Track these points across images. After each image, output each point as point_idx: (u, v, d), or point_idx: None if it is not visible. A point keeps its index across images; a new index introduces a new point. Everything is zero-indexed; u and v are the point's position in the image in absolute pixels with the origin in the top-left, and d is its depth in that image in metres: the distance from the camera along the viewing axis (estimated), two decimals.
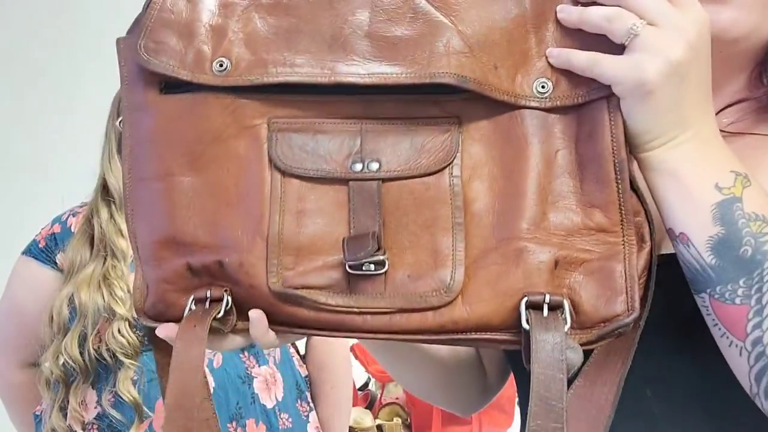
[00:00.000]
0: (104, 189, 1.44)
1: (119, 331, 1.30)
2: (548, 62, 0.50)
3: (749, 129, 0.65)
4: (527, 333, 0.46)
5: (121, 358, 1.30)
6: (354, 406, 1.91)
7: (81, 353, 1.31)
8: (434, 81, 0.49)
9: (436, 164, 0.50)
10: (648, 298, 0.50)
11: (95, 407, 1.33)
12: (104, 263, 1.35)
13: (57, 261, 1.43)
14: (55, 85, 2.40)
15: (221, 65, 0.52)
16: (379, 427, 2.11)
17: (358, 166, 0.50)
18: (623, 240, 0.48)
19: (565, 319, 0.46)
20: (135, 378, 1.32)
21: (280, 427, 1.39)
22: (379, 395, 2.21)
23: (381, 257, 0.48)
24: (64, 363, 1.33)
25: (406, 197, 0.50)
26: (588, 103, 0.49)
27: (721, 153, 0.52)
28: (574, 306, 0.48)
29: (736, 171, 0.51)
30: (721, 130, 0.62)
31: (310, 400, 1.48)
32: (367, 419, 2.09)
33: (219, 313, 0.50)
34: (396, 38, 0.50)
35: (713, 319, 0.51)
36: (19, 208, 2.21)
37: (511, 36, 0.50)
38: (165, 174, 0.53)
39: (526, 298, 0.47)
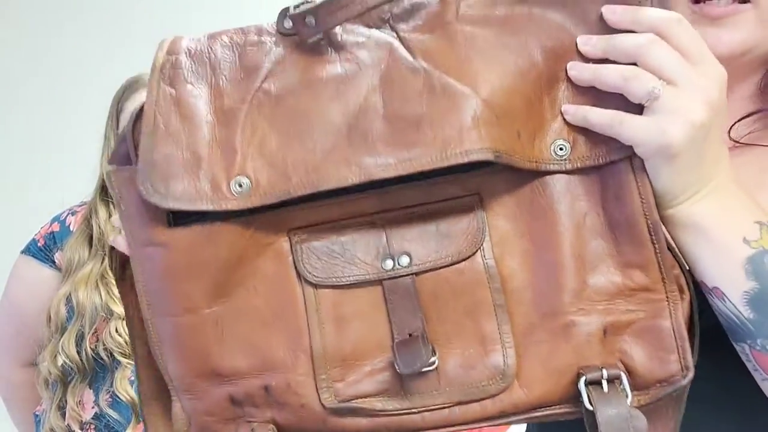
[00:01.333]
0: (103, 189, 1.44)
1: (117, 330, 1.30)
2: (563, 122, 0.48)
3: (761, 140, 0.64)
4: (590, 411, 0.45)
5: (119, 357, 1.30)
6: None
7: (78, 353, 1.31)
8: (470, 160, 0.46)
9: (467, 249, 0.49)
10: (695, 345, 0.49)
11: (93, 407, 1.33)
12: (102, 262, 1.35)
13: (56, 260, 1.43)
14: (55, 85, 2.40)
15: (240, 185, 0.48)
16: None
17: (389, 264, 0.49)
18: (666, 296, 0.48)
19: (625, 390, 0.46)
20: (132, 378, 1.32)
21: None
22: None
23: (433, 358, 0.47)
24: (62, 363, 1.33)
25: (442, 287, 0.49)
26: (612, 164, 0.48)
27: (740, 201, 0.52)
28: (629, 370, 0.47)
29: (759, 221, 0.51)
30: (734, 141, 0.64)
31: None
32: None
33: None
34: (417, 116, 0.46)
35: (754, 366, 0.51)
36: (18, 207, 2.21)
37: (528, 99, 0.48)
38: (191, 309, 0.50)
39: (584, 377, 0.46)
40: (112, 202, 1.42)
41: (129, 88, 1.48)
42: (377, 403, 0.48)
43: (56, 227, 1.46)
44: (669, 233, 0.51)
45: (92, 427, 1.33)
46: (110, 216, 1.40)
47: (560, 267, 0.48)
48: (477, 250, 0.48)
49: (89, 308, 1.32)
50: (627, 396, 0.45)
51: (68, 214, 1.48)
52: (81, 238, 1.40)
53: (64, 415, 1.34)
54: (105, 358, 1.31)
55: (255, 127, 0.49)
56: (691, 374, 0.47)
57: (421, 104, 0.47)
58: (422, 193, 0.49)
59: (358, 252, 0.49)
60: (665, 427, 0.49)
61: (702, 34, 0.56)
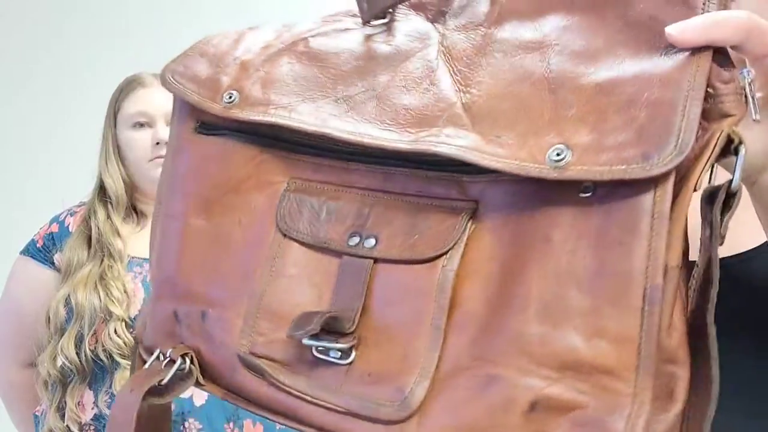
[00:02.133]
0: (101, 190, 1.44)
1: (115, 331, 1.30)
2: (568, 124, 0.38)
3: None
4: None
5: (118, 358, 1.30)
6: None
7: (77, 354, 1.31)
8: (414, 149, 0.42)
9: (430, 251, 0.42)
10: None
11: (92, 408, 1.33)
12: (101, 264, 1.35)
13: (55, 261, 1.43)
14: (55, 86, 2.40)
15: (230, 97, 0.52)
16: None
17: (354, 240, 0.45)
18: (633, 391, 0.35)
19: None
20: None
21: (278, 428, 1.39)
22: None
23: (343, 345, 0.43)
24: (61, 364, 1.33)
25: (393, 284, 0.43)
26: (627, 194, 0.36)
27: None
28: None
29: None
30: None
31: None
32: None
33: (163, 379, 0.49)
34: (402, 106, 0.45)
35: None
36: (18, 207, 2.21)
37: (524, 101, 0.41)
38: (182, 213, 0.53)
39: None
40: (111, 203, 1.42)
41: (126, 88, 1.48)
42: (281, 374, 0.45)
43: (55, 228, 1.46)
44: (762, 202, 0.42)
45: (92, 428, 1.33)
46: (108, 217, 1.40)
47: (516, 308, 0.38)
48: (440, 257, 0.42)
49: (88, 309, 1.31)
50: None
51: (67, 214, 1.48)
52: (80, 239, 1.40)
53: (63, 416, 1.34)
54: (104, 359, 1.31)
55: (276, 63, 0.52)
56: None
57: (413, 98, 0.45)
58: (423, 185, 0.45)
59: (335, 218, 0.47)
60: None
61: None
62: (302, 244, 0.48)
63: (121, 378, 1.30)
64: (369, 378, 0.43)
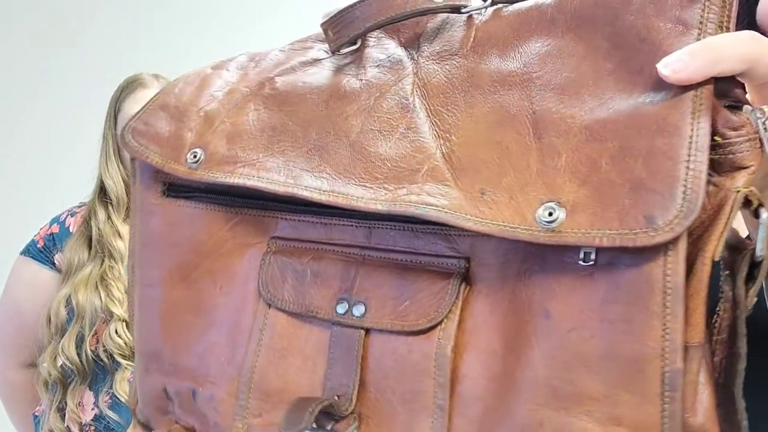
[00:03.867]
0: (101, 190, 1.44)
1: (116, 331, 1.30)
2: (564, 177, 0.34)
3: None
4: None
5: (118, 359, 1.30)
6: None
7: (78, 354, 1.31)
8: (392, 211, 0.39)
9: (424, 321, 0.38)
10: None
11: (93, 408, 1.33)
12: (102, 264, 1.35)
13: (55, 261, 1.43)
14: (55, 86, 2.40)
15: (195, 156, 0.48)
16: None
17: (342, 308, 0.41)
18: None
19: None
20: (132, 379, 1.31)
21: None
22: None
23: (343, 429, 0.40)
24: (62, 364, 1.33)
25: (388, 357, 0.40)
26: (634, 263, 0.32)
27: None
28: None
29: None
30: None
31: None
32: None
33: None
34: (377, 155, 0.41)
35: None
36: (18, 208, 2.21)
37: (508, 149, 0.36)
38: (159, 282, 0.49)
39: None
40: (111, 204, 1.43)
41: (126, 89, 1.48)
42: None
43: (56, 229, 1.46)
44: None
45: (92, 428, 1.33)
46: (109, 217, 1.41)
47: (518, 389, 0.35)
48: (434, 328, 0.38)
49: (89, 310, 1.32)
50: None
51: (67, 215, 1.48)
52: (80, 239, 1.40)
53: (63, 417, 1.34)
54: (105, 359, 1.31)
55: (241, 111, 0.49)
56: None
57: (389, 144, 0.41)
58: (408, 240, 0.41)
59: (320, 284, 0.43)
60: None
61: None
62: (289, 313, 0.44)
63: (122, 378, 1.30)
64: None
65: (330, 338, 0.42)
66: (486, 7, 0.43)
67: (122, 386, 1.30)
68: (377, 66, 0.45)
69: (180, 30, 2.40)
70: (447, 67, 0.42)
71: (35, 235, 1.47)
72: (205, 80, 0.52)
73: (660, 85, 0.33)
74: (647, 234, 0.31)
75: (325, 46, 0.49)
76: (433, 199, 0.37)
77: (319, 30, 0.49)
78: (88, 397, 1.34)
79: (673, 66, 0.32)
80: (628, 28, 0.35)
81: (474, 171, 0.37)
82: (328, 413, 0.40)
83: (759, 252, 0.32)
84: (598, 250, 0.33)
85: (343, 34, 0.46)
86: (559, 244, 0.33)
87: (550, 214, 0.33)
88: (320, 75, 0.47)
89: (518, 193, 0.35)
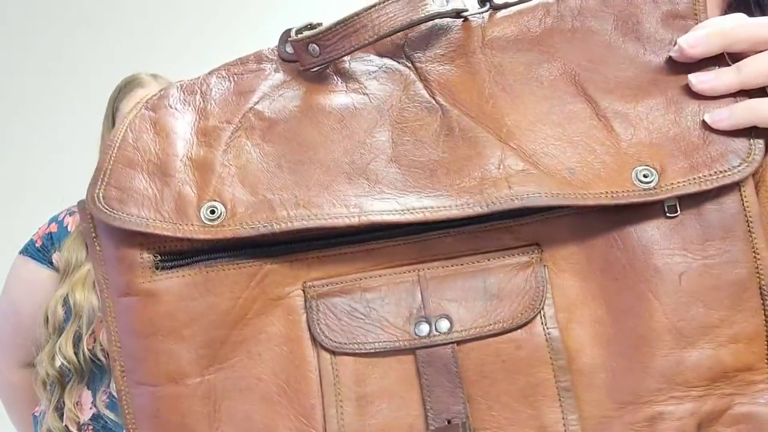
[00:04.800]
0: None
1: None
2: (641, 146, 0.39)
3: None
4: None
5: None
6: None
7: (76, 354, 1.31)
8: (494, 210, 0.38)
9: (524, 313, 0.39)
10: None
11: (90, 408, 1.33)
12: None
13: (53, 261, 1.43)
14: (55, 85, 2.40)
15: (213, 212, 0.41)
16: None
17: (425, 329, 0.39)
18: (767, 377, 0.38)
19: None
20: None
21: None
22: None
23: None
24: (59, 364, 1.33)
25: (492, 361, 0.39)
26: (717, 201, 0.38)
27: None
28: None
29: None
30: None
31: None
32: None
33: None
34: (431, 162, 0.40)
35: None
36: (17, 207, 2.21)
37: (579, 132, 0.40)
38: (176, 377, 0.40)
39: None
40: None
41: (124, 88, 1.48)
42: None
43: (54, 228, 1.46)
44: None
45: (90, 428, 1.33)
46: None
47: (647, 342, 0.38)
48: (536, 316, 0.39)
49: (86, 309, 1.32)
50: None
51: (66, 214, 1.48)
52: (78, 239, 1.40)
53: (61, 416, 1.34)
54: (102, 359, 1.31)
55: (240, 149, 0.42)
56: None
57: (437, 149, 0.40)
58: (467, 243, 0.40)
59: (386, 312, 0.40)
60: None
61: None
62: (360, 356, 0.40)
63: None
64: None
65: (417, 366, 0.40)
66: (483, 12, 0.44)
67: None
68: (372, 77, 0.43)
69: (180, 30, 2.40)
70: (463, 66, 0.43)
71: (33, 235, 1.47)
72: (160, 125, 0.43)
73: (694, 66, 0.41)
74: (727, 175, 0.38)
75: (277, 64, 0.45)
76: (526, 188, 0.38)
77: (238, 54, 0.46)
78: (86, 396, 1.34)
79: (689, 40, 0.40)
80: (648, 30, 0.42)
81: (549, 155, 0.39)
82: None
83: None
84: (681, 200, 0.38)
85: (340, 49, 0.43)
86: (657, 200, 0.38)
87: (646, 176, 0.38)
88: (307, 96, 0.43)
89: (607, 167, 0.39)
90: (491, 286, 0.40)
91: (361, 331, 0.40)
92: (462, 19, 0.44)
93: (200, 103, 0.44)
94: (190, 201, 0.41)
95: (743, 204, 0.38)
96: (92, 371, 1.33)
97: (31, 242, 1.46)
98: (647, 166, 0.39)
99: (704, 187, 0.38)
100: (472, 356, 0.39)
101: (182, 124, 0.43)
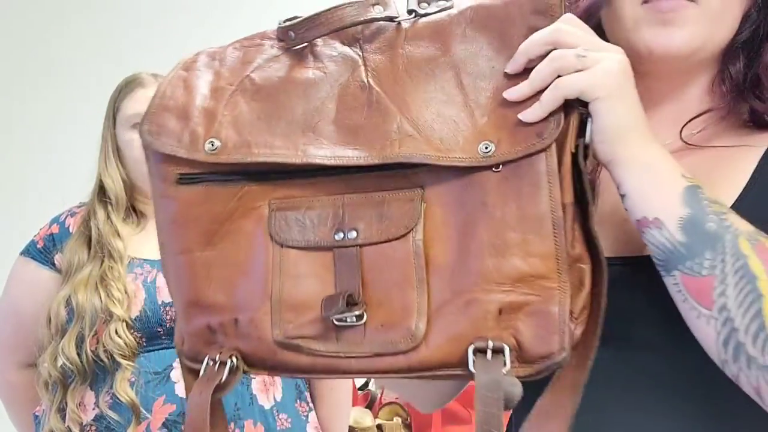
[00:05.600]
0: (101, 190, 1.44)
1: (116, 332, 1.30)
2: (488, 126, 0.56)
3: (711, 140, 0.70)
4: (473, 374, 0.54)
5: (119, 359, 1.30)
6: (354, 405, 1.91)
7: (78, 354, 1.32)
8: (386, 161, 0.57)
9: (402, 230, 0.57)
10: (598, 326, 0.56)
11: (93, 408, 1.33)
12: (101, 264, 1.35)
13: (55, 261, 1.43)
14: (55, 86, 2.40)
15: (212, 144, 0.61)
16: (379, 427, 2.11)
17: (340, 236, 0.59)
18: (558, 286, 0.54)
19: (505, 361, 0.53)
20: (132, 379, 1.32)
21: (278, 428, 1.39)
22: (379, 395, 2.20)
23: (357, 312, 0.57)
24: (62, 365, 1.33)
25: (380, 259, 0.58)
26: (529, 162, 0.55)
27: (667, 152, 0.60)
28: (519, 344, 0.54)
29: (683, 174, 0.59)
30: (684, 142, 0.70)
31: (309, 400, 1.48)
32: (367, 419, 2.09)
33: (222, 378, 0.60)
34: (356, 126, 0.59)
35: (683, 295, 0.57)
36: (18, 208, 2.21)
37: (450, 113, 0.58)
38: (186, 250, 0.62)
39: (472, 346, 0.54)
40: (111, 204, 1.43)
41: (125, 88, 1.48)
42: (314, 345, 0.58)
43: (55, 229, 1.46)
44: (616, 175, 0.59)
45: (93, 428, 1.33)
46: (108, 217, 1.41)
47: (474, 253, 0.55)
48: (409, 232, 0.57)
49: (89, 310, 1.32)
50: (505, 365, 0.53)
51: (67, 215, 1.48)
52: (80, 240, 1.40)
53: (64, 417, 1.34)
54: (105, 359, 1.31)
55: (236, 104, 0.63)
56: (565, 354, 0.53)
57: (361, 116, 0.59)
58: (378, 182, 0.59)
59: (318, 223, 0.60)
60: (562, 414, 0.55)
61: (654, 35, 0.67)
62: (298, 248, 0.60)
63: (122, 378, 1.30)
64: (382, 328, 0.57)
65: (334, 259, 0.59)
66: (411, 18, 0.62)
67: (123, 386, 1.30)
68: (332, 60, 0.63)
69: (180, 30, 2.40)
70: (389, 56, 0.61)
71: (35, 236, 1.47)
72: (188, 82, 0.65)
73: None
74: (538, 143, 0.55)
75: (272, 42, 0.66)
76: (411, 149, 0.57)
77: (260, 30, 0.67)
78: (89, 397, 1.34)
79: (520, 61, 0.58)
80: (511, 32, 0.59)
81: (430, 128, 0.58)
82: (347, 303, 0.57)
83: (587, 138, 0.57)
84: (508, 161, 0.55)
85: (307, 36, 0.63)
86: (492, 163, 0.55)
87: (486, 148, 0.56)
88: (288, 70, 0.64)
89: (464, 138, 0.57)
90: (386, 211, 0.58)
91: (300, 232, 0.60)
92: (396, 23, 0.62)
93: (218, 67, 0.66)
94: (199, 136, 0.62)
95: (546, 163, 0.54)
96: (95, 372, 1.33)
97: (33, 243, 1.46)
98: (489, 141, 0.56)
99: (519, 155, 0.55)
100: (368, 255, 0.58)
101: (203, 83, 0.65)
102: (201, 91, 0.64)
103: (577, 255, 0.56)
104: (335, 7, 0.62)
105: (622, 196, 0.59)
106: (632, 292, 0.63)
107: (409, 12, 0.62)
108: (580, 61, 0.55)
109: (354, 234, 0.58)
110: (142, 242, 1.42)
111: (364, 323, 0.57)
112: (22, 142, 2.38)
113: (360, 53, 0.63)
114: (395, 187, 0.58)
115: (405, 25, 0.62)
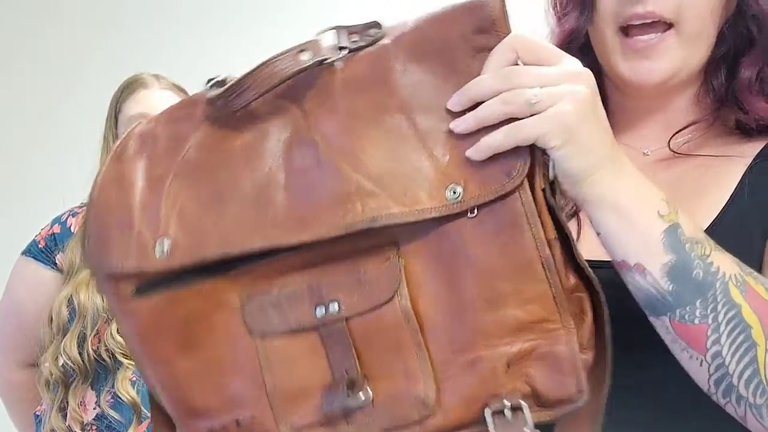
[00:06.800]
0: None
1: (118, 331, 1.30)
2: (452, 168, 0.52)
3: (699, 149, 0.70)
4: None
5: (120, 358, 1.30)
6: None
7: (80, 354, 1.32)
8: (352, 231, 0.52)
9: (386, 293, 0.53)
10: (607, 350, 0.55)
11: (94, 408, 1.34)
12: None
13: (57, 261, 1.43)
14: (56, 86, 2.40)
15: (162, 247, 0.55)
16: None
17: (321, 311, 0.54)
18: (562, 324, 0.52)
19: (525, 420, 0.51)
20: (134, 379, 1.32)
21: None
22: None
23: (361, 394, 0.53)
24: (63, 364, 1.33)
25: (370, 329, 0.53)
26: (503, 203, 0.51)
27: (642, 178, 0.56)
28: (535, 390, 0.52)
29: (665, 198, 0.56)
30: (673, 151, 0.71)
31: None
32: None
33: None
34: (311, 191, 0.54)
35: (673, 337, 0.56)
36: (19, 208, 2.21)
37: (409, 159, 0.53)
38: (163, 361, 0.57)
39: (488, 408, 0.52)
40: None
41: (127, 89, 1.48)
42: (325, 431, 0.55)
43: (57, 229, 1.46)
44: (587, 213, 0.56)
45: (94, 428, 1.33)
46: None
47: (467, 309, 0.52)
48: (394, 295, 0.53)
49: (91, 310, 1.32)
50: (526, 423, 0.51)
51: (69, 215, 1.48)
52: (81, 240, 1.40)
53: (65, 416, 1.35)
54: (107, 359, 1.31)
55: (177, 194, 0.57)
56: (585, 397, 0.51)
57: (314, 179, 0.54)
58: (347, 246, 0.54)
59: (294, 302, 0.55)
60: None
61: (632, 68, 0.67)
62: (281, 335, 0.55)
63: (123, 378, 1.31)
64: (391, 400, 0.53)
65: (322, 339, 0.54)
66: (344, 56, 0.56)
67: (124, 386, 1.30)
68: (270, 119, 0.57)
69: (181, 30, 2.40)
70: (329, 106, 0.55)
71: (36, 236, 1.48)
72: (123, 177, 0.59)
73: None
74: (509, 183, 0.50)
75: (205, 108, 0.59)
76: (374, 209, 0.52)
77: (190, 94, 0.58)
78: (90, 396, 1.34)
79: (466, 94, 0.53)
80: (455, 57, 0.53)
81: (390, 180, 0.52)
82: (348, 383, 0.54)
83: (551, 173, 0.54)
84: (479, 205, 0.51)
85: (238, 102, 0.56)
86: (465, 209, 0.51)
87: (454, 192, 0.51)
88: (224, 140, 0.57)
89: (428, 185, 0.52)
90: (363, 276, 0.53)
91: (279, 318, 0.55)
92: (329, 64, 0.56)
93: (150, 150, 0.60)
94: (146, 242, 0.56)
95: (522, 202, 0.51)
96: (96, 371, 1.33)
97: (34, 243, 1.46)
98: (455, 183, 0.51)
99: (491, 197, 0.51)
100: (357, 327, 0.53)
101: (138, 174, 0.59)
102: (138, 185, 0.58)
103: (573, 285, 0.54)
104: (262, 65, 0.55)
105: (597, 233, 0.56)
106: (625, 292, 0.62)
107: (340, 49, 0.56)
108: (533, 107, 0.51)
109: (336, 306, 0.53)
110: None
111: (372, 400, 0.53)
112: (23, 142, 2.39)
113: (298, 105, 0.56)
114: (367, 246, 0.53)
115: (338, 65, 0.56)
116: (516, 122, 0.51)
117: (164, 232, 0.56)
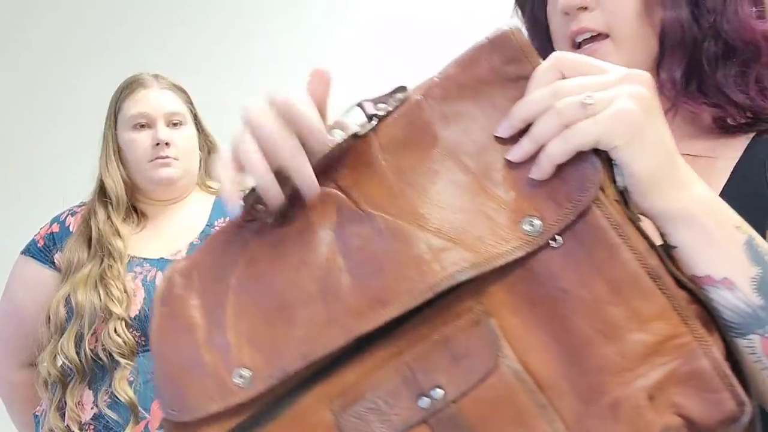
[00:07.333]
0: (101, 190, 1.45)
1: (115, 330, 1.30)
2: (521, 200, 0.48)
3: (680, 145, 0.68)
4: None
5: (118, 358, 1.30)
6: None
7: (77, 353, 1.32)
8: (438, 291, 0.47)
9: (488, 361, 0.47)
10: (745, 376, 0.48)
11: (92, 407, 1.33)
12: (101, 263, 1.36)
13: (55, 260, 1.43)
14: (56, 86, 2.41)
15: (242, 377, 0.50)
16: None
17: (426, 401, 0.47)
18: (693, 335, 0.46)
19: None
20: (131, 378, 1.32)
21: None
22: None
23: None
24: (61, 363, 1.33)
25: (485, 406, 0.47)
26: (585, 222, 0.47)
27: (711, 191, 0.53)
28: (689, 420, 0.46)
29: (731, 208, 0.52)
30: None
31: None
32: None
33: None
34: (376, 263, 0.49)
35: (757, 357, 0.51)
36: (19, 208, 2.21)
37: (475, 203, 0.49)
38: None
39: None
40: (111, 203, 1.43)
41: (127, 89, 1.48)
42: None
43: (56, 228, 1.46)
44: (662, 232, 0.51)
45: (91, 427, 1.33)
46: (109, 217, 1.41)
47: (583, 349, 0.46)
48: (497, 359, 0.47)
49: (88, 309, 1.32)
50: None
51: (68, 214, 1.48)
52: (80, 239, 1.41)
53: (63, 416, 1.35)
54: (104, 358, 1.31)
55: (240, 317, 0.52)
56: (749, 408, 0.45)
57: (376, 250, 0.49)
58: (429, 321, 0.48)
59: (393, 400, 0.48)
60: None
61: None
62: None
63: (121, 377, 1.31)
64: None
65: (432, 430, 0.47)
66: (373, 126, 0.53)
67: (121, 385, 1.30)
68: (310, 208, 0.52)
69: (181, 30, 2.40)
70: (371, 175, 0.52)
71: (35, 235, 1.48)
72: (175, 323, 0.53)
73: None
74: (585, 196, 0.46)
75: (241, 224, 0.55)
76: (456, 265, 0.47)
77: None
78: (88, 396, 1.34)
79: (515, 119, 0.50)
80: (492, 92, 0.51)
81: (460, 230, 0.48)
82: None
83: (619, 182, 0.49)
84: (562, 230, 0.47)
85: (273, 208, 0.52)
86: (546, 240, 0.47)
87: (532, 225, 0.47)
88: (272, 246, 0.53)
89: (503, 225, 0.48)
90: (456, 349, 0.47)
91: (382, 421, 0.48)
92: (361, 138, 0.53)
93: (197, 284, 0.54)
94: (224, 376, 0.50)
95: (605, 216, 0.46)
96: (94, 371, 1.33)
97: (33, 242, 1.46)
98: (530, 216, 0.47)
99: (572, 216, 0.46)
100: (470, 407, 0.47)
101: (193, 311, 0.53)
102: (194, 323, 0.53)
103: (685, 297, 0.48)
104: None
105: (673, 247, 0.51)
106: None
107: (369, 118, 0.53)
108: (588, 109, 0.47)
109: (440, 392, 0.47)
110: (142, 241, 1.43)
111: None
112: (22, 141, 2.39)
113: (334, 185, 0.53)
114: (449, 315, 0.48)
115: (370, 135, 0.53)
116: (570, 129, 0.47)
117: (238, 363, 0.50)
